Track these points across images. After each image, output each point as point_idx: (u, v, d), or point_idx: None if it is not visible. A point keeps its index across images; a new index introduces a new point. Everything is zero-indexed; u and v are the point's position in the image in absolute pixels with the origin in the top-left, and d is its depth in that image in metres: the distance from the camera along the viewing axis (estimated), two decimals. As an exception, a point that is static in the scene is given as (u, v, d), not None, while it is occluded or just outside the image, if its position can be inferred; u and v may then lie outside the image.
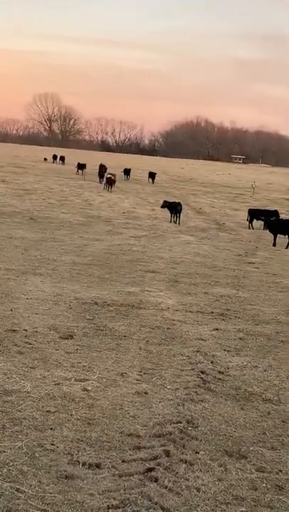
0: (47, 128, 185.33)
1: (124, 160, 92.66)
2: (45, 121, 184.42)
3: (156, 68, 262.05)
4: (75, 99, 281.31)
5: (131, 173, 56.08)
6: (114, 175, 43.90)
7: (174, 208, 27.24)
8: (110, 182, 42.01)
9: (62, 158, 71.69)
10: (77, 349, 8.76)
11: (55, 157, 74.06)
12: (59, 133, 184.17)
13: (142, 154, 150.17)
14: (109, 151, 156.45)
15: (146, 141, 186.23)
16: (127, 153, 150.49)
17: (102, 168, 49.85)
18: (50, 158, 76.49)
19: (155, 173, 53.92)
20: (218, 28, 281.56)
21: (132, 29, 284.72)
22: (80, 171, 54.21)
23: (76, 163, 57.85)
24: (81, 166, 55.03)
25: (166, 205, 27.73)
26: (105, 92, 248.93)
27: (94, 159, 69.40)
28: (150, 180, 52.99)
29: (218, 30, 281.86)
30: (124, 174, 53.74)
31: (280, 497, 5.34)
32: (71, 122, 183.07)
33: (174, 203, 27.77)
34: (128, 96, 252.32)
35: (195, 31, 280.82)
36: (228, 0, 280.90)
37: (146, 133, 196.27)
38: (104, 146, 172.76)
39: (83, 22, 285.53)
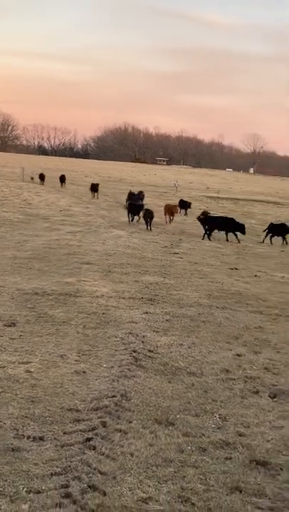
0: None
1: (60, 163, 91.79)
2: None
3: (87, 79, 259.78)
4: (13, 108, 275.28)
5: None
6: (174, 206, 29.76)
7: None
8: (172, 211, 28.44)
9: (41, 177, 49.31)
10: (20, 335, 8.66)
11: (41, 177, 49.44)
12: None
13: (75, 158, 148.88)
14: (45, 154, 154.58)
15: (80, 146, 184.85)
16: (61, 156, 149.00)
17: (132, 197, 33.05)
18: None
19: (189, 203, 35.51)
20: (140, 43, 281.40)
21: (61, 42, 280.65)
22: (95, 194, 40.12)
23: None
24: (94, 187, 40.72)
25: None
26: (40, 101, 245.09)
27: (33, 163, 68.37)
28: (182, 211, 33.82)
29: (141, 45, 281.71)
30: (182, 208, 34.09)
31: (204, 457, 5.47)
32: (9, 129, 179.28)
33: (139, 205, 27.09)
34: (62, 104, 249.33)
35: (121, 45, 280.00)
36: (151, 17, 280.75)
37: (79, 138, 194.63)
38: (41, 151, 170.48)
39: (16, 35, 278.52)
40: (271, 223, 25.80)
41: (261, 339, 9.51)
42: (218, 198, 49.47)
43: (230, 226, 23.77)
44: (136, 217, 26.66)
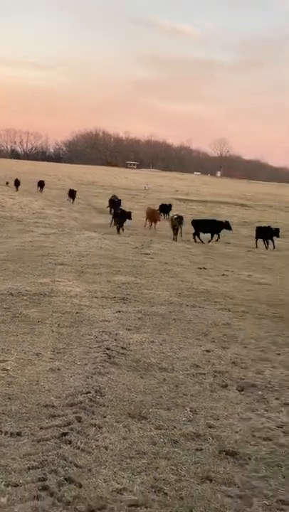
0: None
1: (33, 167, 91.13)
2: None
3: (58, 85, 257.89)
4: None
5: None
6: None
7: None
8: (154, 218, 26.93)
9: (16, 183, 47.04)
10: (-4, 335, 8.62)
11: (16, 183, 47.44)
12: None
13: (48, 161, 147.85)
14: (18, 158, 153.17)
15: (52, 150, 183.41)
16: (34, 160, 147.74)
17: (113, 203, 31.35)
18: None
19: (170, 205, 34.71)
20: (111, 50, 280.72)
21: (33, 49, 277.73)
22: (72, 200, 40.03)
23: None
24: (72, 193, 40.47)
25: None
26: (13, 107, 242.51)
27: (5, 167, 67.66)
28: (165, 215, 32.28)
29: (111, 52, 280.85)
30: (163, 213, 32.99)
31: (175, 449, 5.51)
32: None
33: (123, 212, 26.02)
34: (34, 110, 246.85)
35: (92, 52, 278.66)
36: (122, 26, 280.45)
37: (51, 142, 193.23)
38: (14, 155, 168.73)
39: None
40: (257, 227, 25.99)
41: (229, 335, 9.62)
42: (188, 200, 49.75)
43: (216, 227, 24.11)
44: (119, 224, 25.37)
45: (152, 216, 27.53)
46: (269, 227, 25.65)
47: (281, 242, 25.68)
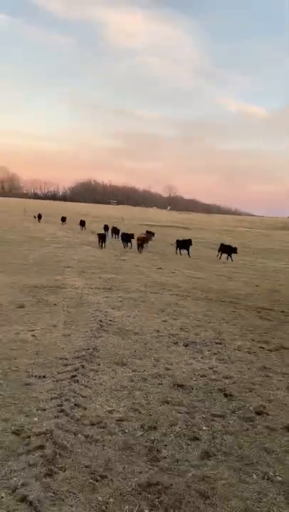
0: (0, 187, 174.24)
1: (48, 204, 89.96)
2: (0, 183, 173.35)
3: (66, 150, 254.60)
4: (18, 168, 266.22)
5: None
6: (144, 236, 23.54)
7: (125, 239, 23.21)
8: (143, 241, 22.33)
9: (39, 216, 42.38)
10: (27, 313, 8.51)
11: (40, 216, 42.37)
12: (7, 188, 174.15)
13: (58, 200, 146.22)
14: (38, 199, 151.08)
15: (60, 193, 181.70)
16: (48, 200, 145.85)
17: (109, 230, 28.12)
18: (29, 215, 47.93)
19: (153, 233, 30.27)
20: (98, 128, 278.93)
21: (46, 127, 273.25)
22: (83, 227, 35.12)
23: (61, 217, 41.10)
24: (82, 222, 36.23)
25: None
26: (36, 165, 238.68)
27: (30, 205, 66.38)
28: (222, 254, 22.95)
29: (99, 129, 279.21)
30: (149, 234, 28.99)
31: (145, 384, 5.57)
32: (15, 183, 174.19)
33: (127, 234, 23.95)
34: (50, 166, 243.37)
35: (86, 130, 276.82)
36: (104, 111, 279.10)
37: (60, 188, 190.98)
38: (36, 196, 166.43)
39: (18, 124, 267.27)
40: (221, 244, 23.19)
41: (178, 311, 9.71)
42: (150, 225, 49.84)
43: (186, 244, 23.11)
44: (129, 244, 23.40)
45: (142, 241, 26.66)
46: (230, 246, 22.51)
47: (213, 251, 25.81)
